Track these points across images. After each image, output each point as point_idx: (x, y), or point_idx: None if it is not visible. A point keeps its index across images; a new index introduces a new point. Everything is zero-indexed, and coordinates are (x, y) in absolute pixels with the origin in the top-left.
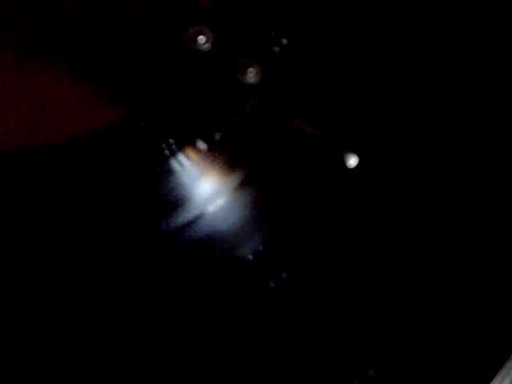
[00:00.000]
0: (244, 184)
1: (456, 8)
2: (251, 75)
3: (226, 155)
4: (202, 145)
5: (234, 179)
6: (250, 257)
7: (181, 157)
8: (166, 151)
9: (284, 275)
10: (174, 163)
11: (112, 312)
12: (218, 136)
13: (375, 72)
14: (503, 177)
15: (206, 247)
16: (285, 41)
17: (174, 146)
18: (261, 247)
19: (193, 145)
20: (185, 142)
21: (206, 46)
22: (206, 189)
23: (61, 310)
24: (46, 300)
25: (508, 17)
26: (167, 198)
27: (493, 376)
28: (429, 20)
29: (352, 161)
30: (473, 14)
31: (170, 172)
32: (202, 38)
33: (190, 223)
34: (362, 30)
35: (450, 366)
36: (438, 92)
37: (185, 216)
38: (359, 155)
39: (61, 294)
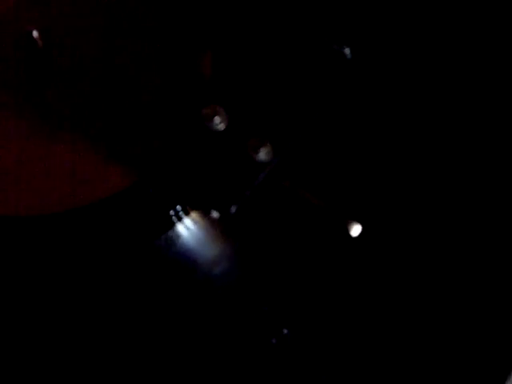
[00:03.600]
0: (249, 249)
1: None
2: (263, 153)
3: (232, 221)
4: (215, 214)
5: (239, 245)
6: (255, 316)
7: (187, 222)
8: (174, 217)
9: (285, 331)
10: (180, 228)
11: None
12: (233, 208)
13: (377, 146)
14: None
15: (211, 306)
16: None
17: (180, 213)
18: (265, 307)
19: (207, 214)
20: (198, 211)
21: (221, 126)
22: (211, 253)
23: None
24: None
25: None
26: (172, 261)
27: None
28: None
29: (355, 230)
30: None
31: (176, 237)
32: (217, 119)
33: (195, 285)
34: (360, 107)
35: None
36: (437, 158)
37: (190, 279)
38: (362, 225)
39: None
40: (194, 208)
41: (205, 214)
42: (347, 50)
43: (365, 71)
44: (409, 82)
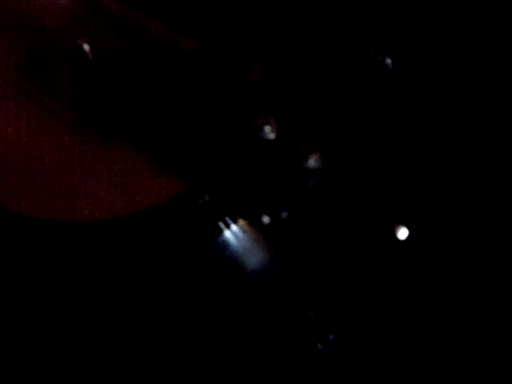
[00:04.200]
0: (295, 255)
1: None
2: (312, 161)
3: (282, 226)
4: (266, 219)
5: (285, 251)
6: (301, 322)
7: (235, 229)
8: (222, 224)
9: (331, 337)
10: (229, 235)
11: None
12: (285, 214)
13: (425, 152)
14: None
15: (258, 311)
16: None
17: (229, 220)
18: (311, 313)
19: (258, 221)
20: (246, 218)
21: (271, 135)
22: (258, 259)
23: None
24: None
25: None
26: (220, 267)
27: None
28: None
29: (402, 233)
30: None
31: (225, 243)
32: (267, 128)
33: (243, 291)
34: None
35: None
36: (488, 165)
37: (238, 284)
38: (409, 228)
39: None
40: (243, 216)
41: (254, 220)
42: (389, 61)
43: (407, 81)
44: (454, 92)
